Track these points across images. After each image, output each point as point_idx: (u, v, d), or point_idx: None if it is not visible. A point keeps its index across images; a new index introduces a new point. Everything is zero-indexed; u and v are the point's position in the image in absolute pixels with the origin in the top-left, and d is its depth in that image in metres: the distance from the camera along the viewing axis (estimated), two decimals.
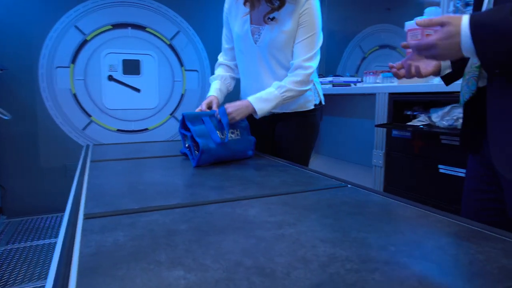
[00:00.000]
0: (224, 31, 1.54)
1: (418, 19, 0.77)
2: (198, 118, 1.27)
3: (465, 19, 0.69)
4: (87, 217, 0.69)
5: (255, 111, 1.32)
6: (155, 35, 3.10)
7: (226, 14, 1.50)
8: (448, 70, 0.93)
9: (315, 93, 1.50)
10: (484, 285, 0.45)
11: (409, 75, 0.93)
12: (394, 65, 0.96)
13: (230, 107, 1.29)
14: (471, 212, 0.94)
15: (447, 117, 1.49)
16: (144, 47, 3.08)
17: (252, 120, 1.59)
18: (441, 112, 1.54)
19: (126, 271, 0.48)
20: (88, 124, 2.97)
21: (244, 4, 1.39)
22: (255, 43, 1.39)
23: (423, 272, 0.48)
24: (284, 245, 0.57)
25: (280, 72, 1.40)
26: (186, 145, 1.27)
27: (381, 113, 1.83)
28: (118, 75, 3.02)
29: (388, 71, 2.09)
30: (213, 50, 3.32)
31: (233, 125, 1.31)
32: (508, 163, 0.76)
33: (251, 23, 1.39)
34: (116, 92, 3.02)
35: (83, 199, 0.82)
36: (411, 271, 0.48)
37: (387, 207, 0.78)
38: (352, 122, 2.31)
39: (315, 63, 1.37)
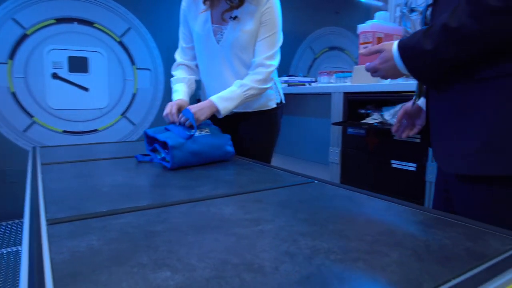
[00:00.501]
0: (182, 30, 1.50)
1: (362, 51, 0.92)
2: (161, 129, 1.25)
3: (394, 45, 0.82)
4: (51, 222, 0.64)
5: (218, 111, 1.32)
6: (104, 32, 2.95)
7: (184, 12, 1.46)
8: None
9: (276, 92, 1.52)
10: (456, 267, 0.48)
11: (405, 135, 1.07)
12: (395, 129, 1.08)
13: (193, 107, 1.27)
14: (438, 203, 1.02)
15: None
16: (92, 44, 2.92)
17: (213, 120, 1.58)
18: (392, 110, 1.64)
19: (108, 276, 0.45)
20: (30, 125, 2.75)
21: (204, 2, 1.37)
22: (218, 43, 1.38)
23: (401, 258, 0.51)
24: (266, 241, 0.58)
25: (243, 72, 1.40)
26: (159, 157, 1.21)
27: (337, 111, 1.90)
28: (64, 72, 2.83)
29: (342, 72, 2.19)
30: (165, 49, 3.23)
31: (202, 125, 1.29)
32: (444, 156, 0.84)
33: (212, 22, 1.38)
34: (61, 91, 2.82)
35: (42, 204, 0.76)
36: (390, 258, 0.51)
37: (356, 200, 0.82)
38: (308, 121, 2.38)
39: (276, 61, 1.39)
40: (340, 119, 1.89)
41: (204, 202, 0.79)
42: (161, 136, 1.18)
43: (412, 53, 0.78)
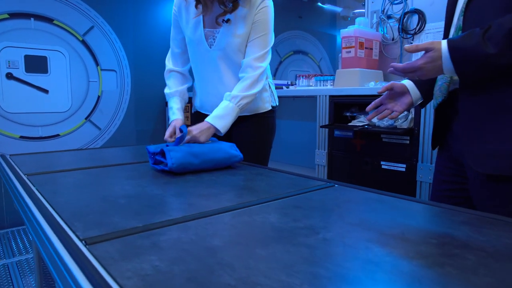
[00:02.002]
0: (173, 34, 1.44)
1: (407, 46, 0.85)
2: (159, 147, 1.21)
3: (444, 45, 0.80)
4: (89, 242, 0.56)
5: (218, 130, 1.29)
6: (65, 29, 2.74)
7: (175, 16, 1.40)
8: (420, 101, 1.04)
9: (271, 95, 1.50)
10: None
11: (381, 117, 1.03)
12: (370, 108, 1.07)
13: (194, 129, 1.25)
14: (439, 201, 1.04)
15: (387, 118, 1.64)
16: (51, 42, 2.69)
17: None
18: None
19: None
20: None
21: (196, 6, 1.31)
22: (210, 47, 1.34)
23: (480, 260, 0.51)
24: (339, 249, 0.55)
25: (237, 75, 1.37)
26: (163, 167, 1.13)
27: (323, 114, 1.92)
28: (20, 73, 2.58)
29: (321, 75, 2.22)
30: (132, 49, 3.08)
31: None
32: (478, 156, 0.86)
33: (204, 27, 1.33)
34: (17, 93, 2.57)
35: (60, 220, 0.67)
36: (471, 261, 0.51)
37: (388, 202, 0.82)
38: (290, 124, 2.38)
39: (265, 62, 1.36)
40: (326, 122, 1.92)
41: (242, 210, 0.74)
42: (158, 147, 1.12)
43: (467, 55, 0.76)
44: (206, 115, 1.48)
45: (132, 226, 0.64)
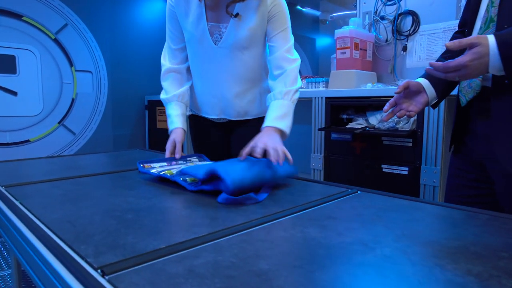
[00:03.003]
0: (170, 29, 1.28)
1: (448, 43, 0.76)
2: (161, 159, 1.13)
3: (491, 39, 0.73)
4: (108, 272, 0.45)
5: (284, 133, 1.10)
6: (35, 27, 2.54)
7: (172, 8, 1.25)
8: (435, 100, 0.98)
9: None
10: None
11: (400, 115, 0.97)
12: (387, 109, 0.99)
13: (261, 143, 0.95)
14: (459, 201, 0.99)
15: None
16: (20, 40, 2.49)
17: (202, 128, 1.41)
18: (379, 115, 1.65)
19: None
20: None
21: None
22: (215, 43, 1.20)
23: None
24: (410, 269, 0.47)
25: (245, 74, 1.25)
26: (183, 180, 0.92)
27: (319, 117, 1.86)
28: None
29: (312, 77, 2.16)
30: (109, 49, 2.91)
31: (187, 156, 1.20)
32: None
33: (207, 20, 1.19)
34: None
35: (61, 243, 0.55)
36: None
37: (425, 209, 0.75)
38: None
39: (297, 55, 1.24)
40: (322, 125, 1.86)
41: (273, 224, 0.65)
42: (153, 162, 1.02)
43: None
44: (204, 118, 1.38)
45: (154, 247, 0.53)
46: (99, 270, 0.46)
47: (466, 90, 0.91)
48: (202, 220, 0.67)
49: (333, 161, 1.82)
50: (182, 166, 1.04)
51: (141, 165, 1.08)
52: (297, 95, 1.18)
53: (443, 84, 0.98)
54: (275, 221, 0.66)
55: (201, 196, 0.83)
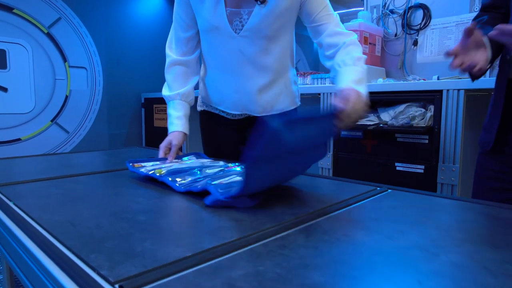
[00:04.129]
0: (179, 14, 1.13)
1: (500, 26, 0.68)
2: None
3: None
4: (128, 287, 0.37)
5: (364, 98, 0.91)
6: (27, 20, 2.43)
7: None
8: (488, 66, 0.87)
9: (298, 89, 1.30)
10: None
11: (467, 68, 0.81)
12: (452, 53, 0.81)
13: (349, 105, 0.81)
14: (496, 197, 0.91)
15: (402, 116, 1.53)
16: (11, 34, 2.37)
17: (217, 127, 1.27)
18: (392, 111, 1.58)
19: None
20: None
21: None
22: (235, 32, 1.06)
23: None
24: (489, 280, 0.39)
25: (271, 65, 1.11)
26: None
27: None
28: None
29: (318, 73, 2.09)
30: (104, 45, 2.80)
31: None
32: None
33: (225, 5, 1.05)
34: None
35: (67, 252, 0.46)
36: None
37: (476, 209, 0.67)
38: None
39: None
40: None
41: (308, 226, 0.57)
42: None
43: None
44: (220, 115, 1.24)
45: (179, 255, 0.44)
46: (116, 286, 0.37)
47: None
48: (226, 222, 0.58)
49: (343, 159, 1.74)
50: (175, 165, 0.93)
51: (131, 164, 0.95)
52: (364, 63, 1.01)
53: (497, 48, 0.83)
54: (310, 223, 0.58)
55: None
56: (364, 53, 1.87)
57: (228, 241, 0.49)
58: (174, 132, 1.12)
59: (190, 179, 0.79)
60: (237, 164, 0.95)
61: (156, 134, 3.05)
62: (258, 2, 1.02)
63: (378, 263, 0.43)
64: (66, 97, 2.63)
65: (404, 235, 0.53)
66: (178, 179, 0.79)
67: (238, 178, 0.75)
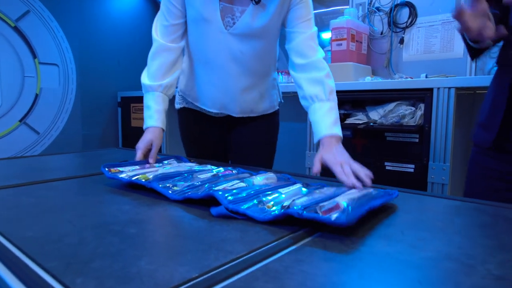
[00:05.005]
0: (170, 2, 1.05)
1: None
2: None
3: None
4: None
5: (340, 138, 0.95)
6: None
7: None
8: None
9: (278, 92, 1.28)
10: None
11: (477, 29, 0.73)
12: (459, 9, 0.72)
13: (336, 162, 0.84)
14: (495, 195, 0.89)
15: (392, 115, 1.51)
16: None
17: (196, 123, 1.24)
18: (381, 109, 1.55)
19: None
20: None
21: None
22: (226, 28, 1.03)
23: None
24: None
25: (256, 67, 1.09)
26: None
27: None
28: None
29: None
30: (77, 40, 2.66)
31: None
32: None
33: (220, 0, 1.01)
34: None
35: (43, 274, 0.38)
36: None
37: (491, 212, 0.64)
38: None
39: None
40: None
41: (322, 236, 0.51)
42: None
43: None
44: (200, 112, 1.20)
45: (184, 277, 0.37)
46: None
47: None
48: (230, 233, 0.52)
49: None
50: (161, 170, 0.84)
51: (107, 169, 0.83)
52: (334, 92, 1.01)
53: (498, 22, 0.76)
54: (324, 231, 0.52)
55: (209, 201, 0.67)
56: (351, 51, 1.86)
57: (236, 256, 0.43)
58: (153, 127, 1.02)
59: (184, 185, 0.72)
60: (229, 168, 0.88)
61: (133, 134, 2.92)
62: (253, 2, 0.99)
63: (414, 279, 0.38)
64: (36, 95, 2.47)
65: (428, 243, 0.48)
66: (168, 185, 0.72)
67: (242, 184, 0.69)
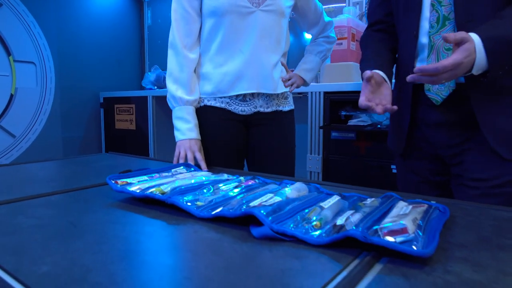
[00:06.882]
0: (184, 8, 1.08)
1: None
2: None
3: (475, 36, 0.71)
4: None
5: (305, 82, 1.25)
6: None
7: None
8: None
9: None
10: None
11: (380, 113, 0.86)
12: (368, 104, 0.85)
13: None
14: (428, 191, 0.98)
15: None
16: None
17: (218, 121, 1.15)
18: None
19: None
20: None
21: None
22: (254, 5, 1.06)
23: None
24: None
25: (281, 44, 1.14)
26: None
27: (316, 114, 1.68)
28: None
29: None
30: (56, 37, 2.49)
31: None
32: (507, 143, 0.80)
33: None
34: None
35: None
36: None
37: None
38: None
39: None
40: (320, 122, 1.68)
41: (395, 263, 0.44)
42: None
43: (504, 45, 0.71)
44: (221, 109, 1.14)
45: None
46: None
47: (437, 89, 0.86)
48: (286, 261, 0.44)
49: (333, 162, 1.65)
50: (178, 181, 0.75)
51: (113, 181, 0.74)
52: (327, 54, 1.32)
53: (389, 73, 0.93)
54: (390, 257, 0.45)
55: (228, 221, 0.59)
56: (351, 50, 1.81)
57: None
58: (195, 140, 1.08)
59: (208, 199, 0.63)
60: (249, 178, 0.80)
61: (117, 137, 2.77)
62: None
63: None
64: (11, 96, 2.30)
65: (462, 250, 0.42)
66: (191, 200, 0.63)
67: (278, 198, 0.61)
